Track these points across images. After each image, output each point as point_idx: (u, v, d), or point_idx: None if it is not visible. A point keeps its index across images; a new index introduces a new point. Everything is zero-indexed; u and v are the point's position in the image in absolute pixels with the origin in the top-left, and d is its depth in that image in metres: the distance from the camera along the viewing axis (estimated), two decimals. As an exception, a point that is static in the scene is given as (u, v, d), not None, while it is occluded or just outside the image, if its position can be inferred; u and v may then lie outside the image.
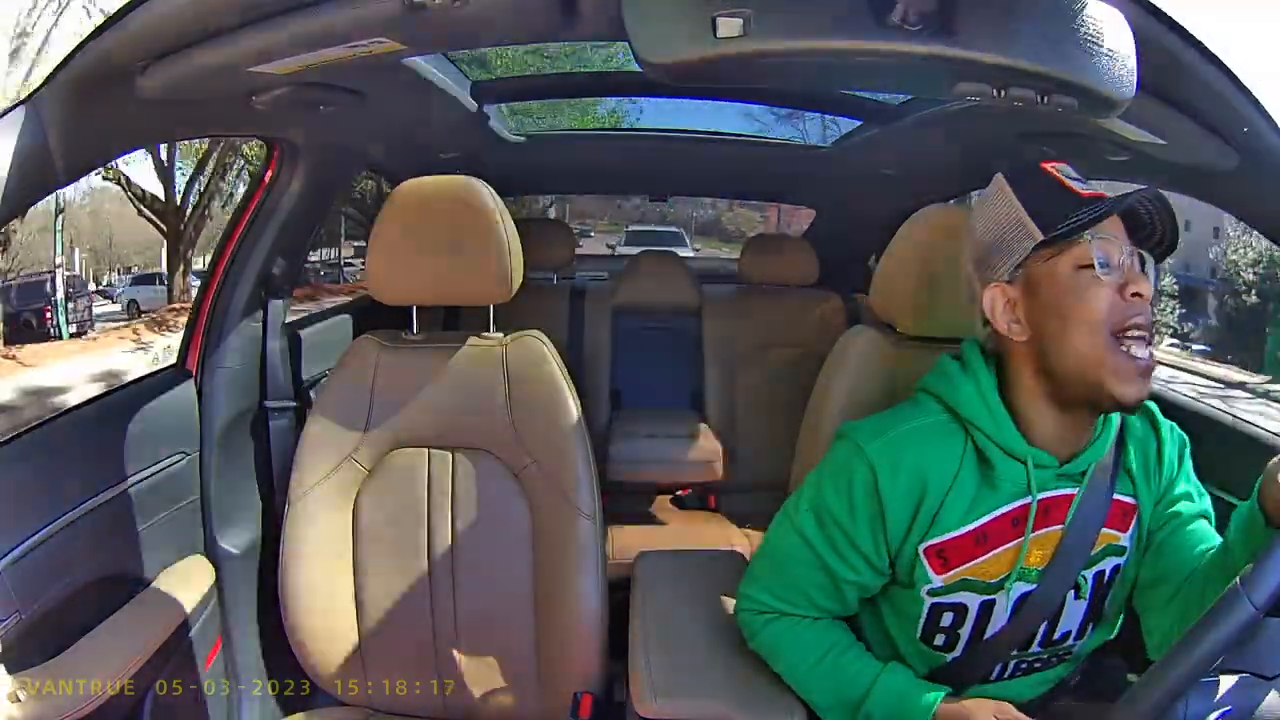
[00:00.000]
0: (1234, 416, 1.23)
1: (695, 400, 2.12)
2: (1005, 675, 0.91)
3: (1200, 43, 0.75)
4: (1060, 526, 0.85)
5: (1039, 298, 0.81)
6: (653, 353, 2.17)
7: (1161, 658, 0.62)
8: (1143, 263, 0.81)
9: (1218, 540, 0.86)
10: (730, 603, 0.98)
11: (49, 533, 0.91)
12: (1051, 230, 0.79)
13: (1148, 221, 0.81)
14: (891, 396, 1.07)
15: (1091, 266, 0.78)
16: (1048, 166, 0.83)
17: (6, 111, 0.75)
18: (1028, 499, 0.84)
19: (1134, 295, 0.77)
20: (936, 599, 0.86)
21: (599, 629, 1.13)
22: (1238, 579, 0.63)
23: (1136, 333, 0.77)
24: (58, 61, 0.76)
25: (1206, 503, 0.91)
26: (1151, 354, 0.79)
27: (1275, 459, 0.73)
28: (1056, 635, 0.89)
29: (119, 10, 0.73)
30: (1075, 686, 0.97)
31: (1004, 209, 0.83)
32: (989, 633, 0.87)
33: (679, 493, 2.07)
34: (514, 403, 1.16)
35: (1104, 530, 0.86)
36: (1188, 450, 0.92)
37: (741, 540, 1.82)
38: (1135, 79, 0.68)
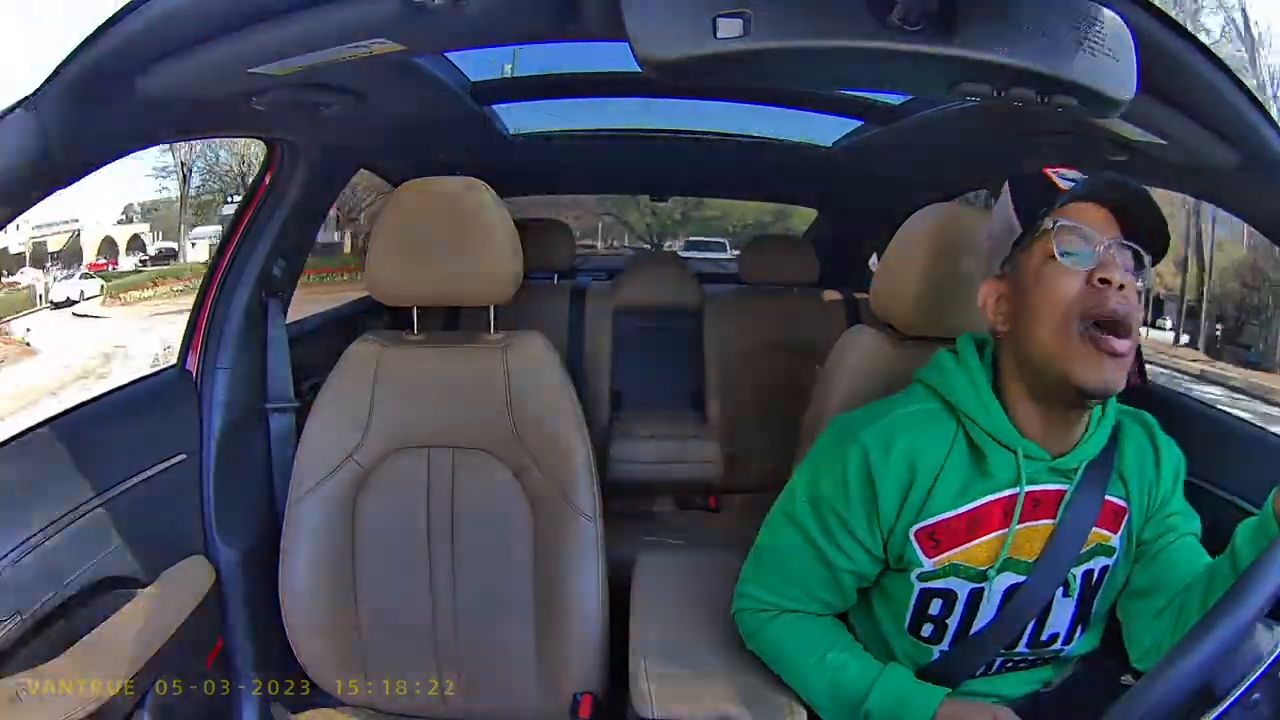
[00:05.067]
0: (1238, 419, 1.23)
1: (695, 400, 2.12)
2: (991, 672, 0.91)
3: (1200, 43, 0.75)
4: (1051, 521, 0.86)
5: (1017, 288, 0.83)
6: (653, 353, 2.17)
7: (1220, 598, 0.61)
8: (1139, 260, 0.81)
9: (1208, 559, 0.87)
10: (730, 603, 0.98)
11: (49, 533, 0.91)
12: (1028, 223, 0.82)
13: (1134, 216, 0.81)
14: (890, 396, 1.07)
15: (1065, 239, 0.80)
16: (1048, 170, 0.84)
17: (6, 112, 0.75)
18: (1015, 489, 0.85)
19: (1101, 280, 0.77)
20: (926, 584, 0.87)
21: (599, 629, 1.13)
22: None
23: (1104, 320, 0.77)
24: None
25: (1197, 524, 0.92)
26: (1125, 341, 0.77)
27: None
28: (1044, 636, 0.89)
29: (119, 10, 0.73)
30: (1069, 685, 0.97)
31: (1002, 211, 0.87)
32: (977, 625, 0.87)
33: (679, 492, 2.07)
34: (514, 403, 1.16)
35: (1095, 529, 0.87)
36: (1183, 472, 0.93)
37: (741, 540, 1.81)
38: (1135, 79, 0.68)
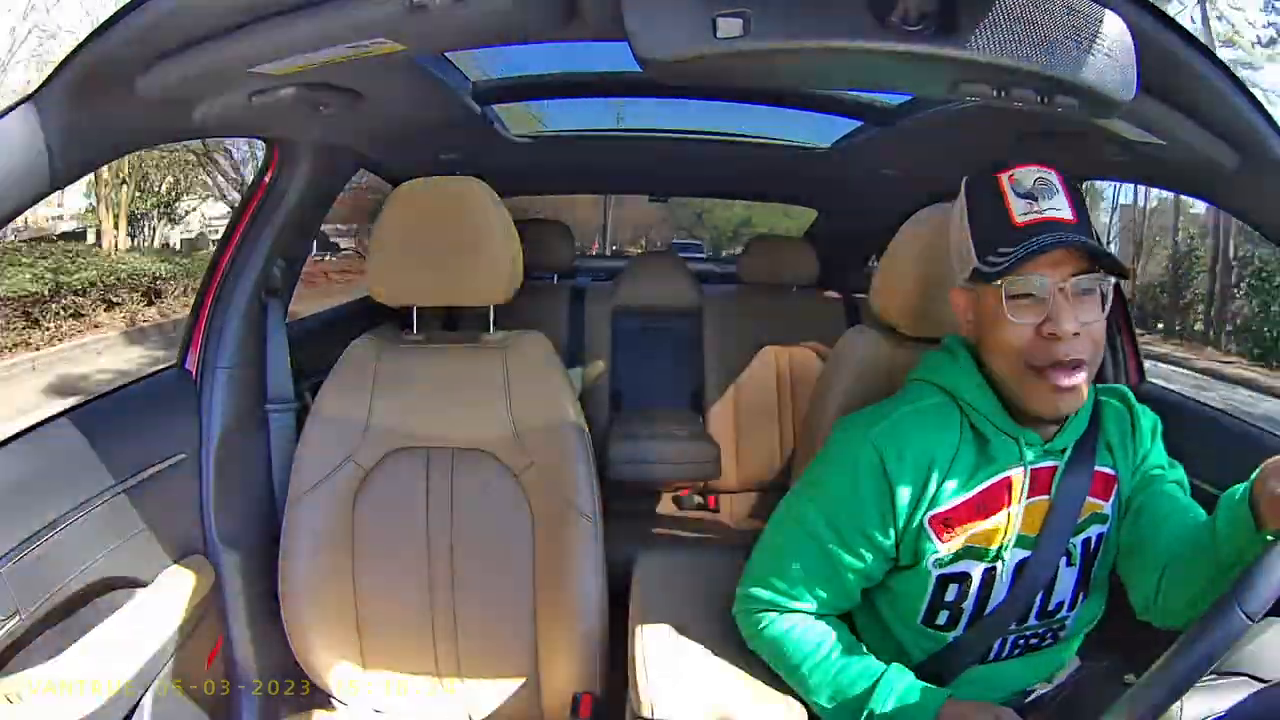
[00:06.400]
0: (1236, 418, 1.23)
1: (695, 400, 2.11)
2: (1003, 655, 0.93)
3: (1200, 43, 0.75)
4: (1048, 496, 0.89)
5: (977, 313, 0.87)
6: (653, 353, 2.17)
7: (1154, 666, 0.63)
8: (1100, 283, 0.82)
9: (1193, 505, 0.90)
10: (730, 603, 0.98)
11: (49, 533, 0.91)
12: (983, 260, 0.84)
13: (1089, 245, 0.81)
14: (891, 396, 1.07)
15: (1014, 299, 0.81)
16: (1002, 177, 0.84)
17: (6, 111, 0.75)
18: (1018, 468, 0.88)
19: (1050, 334, 0.80)
20: (942, 570, 0.88)
21: (599, 629, 1.13)
22: (1231, 589, 0.64)
23: (1051, 370, 0.81)
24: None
25: (1180, 473, 0.95)
26: (1077, 376, 0.81)
27: (1271, 459, 0.73)
28: (1051, 606, 0.92)
29: (119, 10, 0.73)
30: (1072, 685, 0.97)
31: (960, 220, 0.89)
32: (991, 604, 0.90)
33: (679, 493, 2.07)
34: (514, 403, 1.16)
35: (1089, 499, 0.90)
36: (1160, 429, 0.96)
37: (741, 540, 1.82)
38: (1135, 79, 0.68)
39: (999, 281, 0.81)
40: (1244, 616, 0.61)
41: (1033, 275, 0.81)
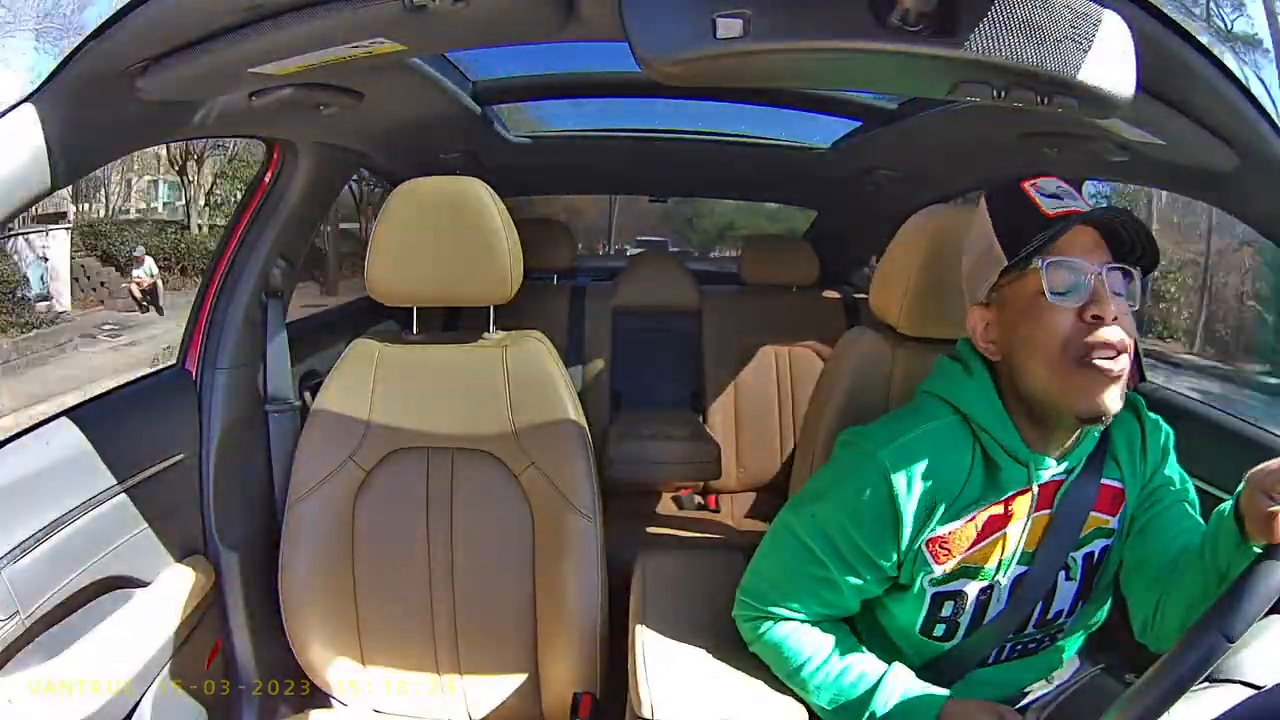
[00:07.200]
0: (1236, 418, 1.23)
1: (695, 400, 2.12)
2: (1000, 659, 0.92)
3: (1200, 43, 0.75)
4: (1049, 510, 0.87)
5: (1006, 320, 0.83)
6: (653, 353, 2.17)
7: (1135, 685, 0.63)
8: (1128, 277, 0.81)
9: (1200, 525, 0.88)
10: (730, 603, 0.98)
11: (49, 533, 0.91)
12: (1014, 255, 0.81)
13: (1124, 236, 0.80)
14: (891, 397, 1.07)
15: (1054, 279, 0.79)
16: (1025, 185, 0.84)
17: (6, 111, 0.75)
18: (1025, 492, 0.86)
19: (1093, 318, 0.77)
20: (937, 588, 0.87)
21: (599, 629, 1.13)
22: (1214, 607, 0.63)
23: (1098, 355, 0.77)
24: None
25: (1188, 492, 0.92)
26: (1120, 361, 0.78)
27: (1256, 468, 0.71)
28: (1050, 614, 0.91)
29: (119, 10, 0.73)
30: (1071, 685, 0.97)
31: (981, 231, 0.86)
32: (988, 617, 0.89)
33: (679, 493, 2.07)
34: (514, 403, 1.16)
35: (1094, 514, 0.88)
36: (1172, 442, 0.94)
37: (741, 540, 1.82)
38: (1135, 79, 0.68)
39: (1039, 261, 0.79)
40: (1225, 640, 0.61)
41: (1073, 257, 0.79)
